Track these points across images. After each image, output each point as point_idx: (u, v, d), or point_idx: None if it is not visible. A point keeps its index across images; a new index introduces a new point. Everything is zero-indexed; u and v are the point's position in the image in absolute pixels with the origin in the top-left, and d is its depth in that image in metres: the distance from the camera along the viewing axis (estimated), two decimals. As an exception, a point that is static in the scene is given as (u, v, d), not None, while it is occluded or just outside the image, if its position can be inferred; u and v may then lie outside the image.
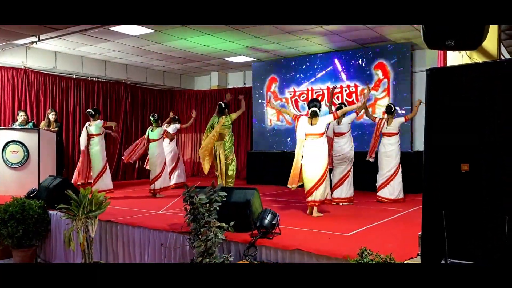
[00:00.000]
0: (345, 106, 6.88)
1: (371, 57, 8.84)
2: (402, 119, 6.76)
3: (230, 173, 6.91)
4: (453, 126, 2.69)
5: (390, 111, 6.78)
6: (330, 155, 6.50)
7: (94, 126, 7.58)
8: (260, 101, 10.57)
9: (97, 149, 7.49)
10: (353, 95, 9.09)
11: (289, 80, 10.01)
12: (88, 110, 7.88)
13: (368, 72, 8.89)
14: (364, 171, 7.13)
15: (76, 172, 7.75)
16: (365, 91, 6.40)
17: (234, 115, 6.99)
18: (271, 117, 10.37)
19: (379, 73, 8.77)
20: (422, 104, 3.03)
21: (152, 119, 7.82)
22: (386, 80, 8.70)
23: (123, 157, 7.88)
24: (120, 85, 10.91)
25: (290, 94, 10.01)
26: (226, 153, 6.85)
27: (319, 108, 5.69)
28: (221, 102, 7.03)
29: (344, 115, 6.60)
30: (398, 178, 6.68)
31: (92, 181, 7.58)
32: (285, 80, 10.08)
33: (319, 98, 9.16)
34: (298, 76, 9.82)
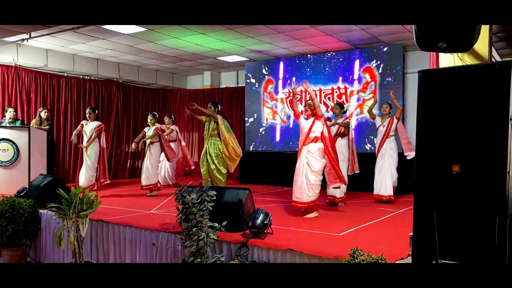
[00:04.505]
0: (341, 107, 6.95)
1: (362, 59, 8.97)
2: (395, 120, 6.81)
3: (223, 172, 6.78)
4: (444, 127, 2.71)
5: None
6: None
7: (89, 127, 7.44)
8: (255, 100, 10.55)
9: (91, 152, 7.40)
10: (343, 96, 9.21)
11: (284, 81, 10.06)
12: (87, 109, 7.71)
13: (358, 75, 9.06)
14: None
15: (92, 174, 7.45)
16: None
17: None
18: (267, 116, 10.39)
19: (367, 76, 8.97)
20: (414, 107, 3.05)
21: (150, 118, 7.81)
22: (373, 83, 8.92)
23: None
24: (112, 83, 10.85)
25: (285, 95, 10.03)
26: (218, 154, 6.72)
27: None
28: (214, 101, 7.01)
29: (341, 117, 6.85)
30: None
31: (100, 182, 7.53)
32: (280, 81, 10.12)
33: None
34: (291, 77, 9.82)
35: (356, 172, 6.78)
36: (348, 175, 6.60)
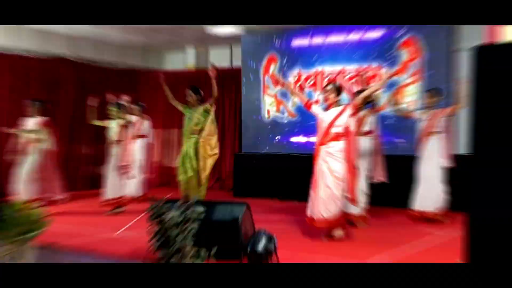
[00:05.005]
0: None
1: (398, 32, 8.80)
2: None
3: (204, 181, 6.84)
4: (510, 120, 2.71)
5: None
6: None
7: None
8: (254, 87, 10.57)
9: (33, 157, 7.50)
10: (376, 78, 9.08)
11: (293, 60, 9.96)
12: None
13: (393, 51, 8.89)
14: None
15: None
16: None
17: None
18: (270, 107, 10.36)
19: (407, 53, 8.77)
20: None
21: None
22: (416, 61, 8.70)
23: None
24: (62, 62, 10.81)
25: (294, 79, 9.96)
26: (209, 153, 6.77)
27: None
28: (194, 86, 7.07)
29: None
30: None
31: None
32: (288, 60, 10.03)
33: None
34: (303, 55, 9.79)
35: (381, 180, 6.74)
36: (370, 184, 6.59)
